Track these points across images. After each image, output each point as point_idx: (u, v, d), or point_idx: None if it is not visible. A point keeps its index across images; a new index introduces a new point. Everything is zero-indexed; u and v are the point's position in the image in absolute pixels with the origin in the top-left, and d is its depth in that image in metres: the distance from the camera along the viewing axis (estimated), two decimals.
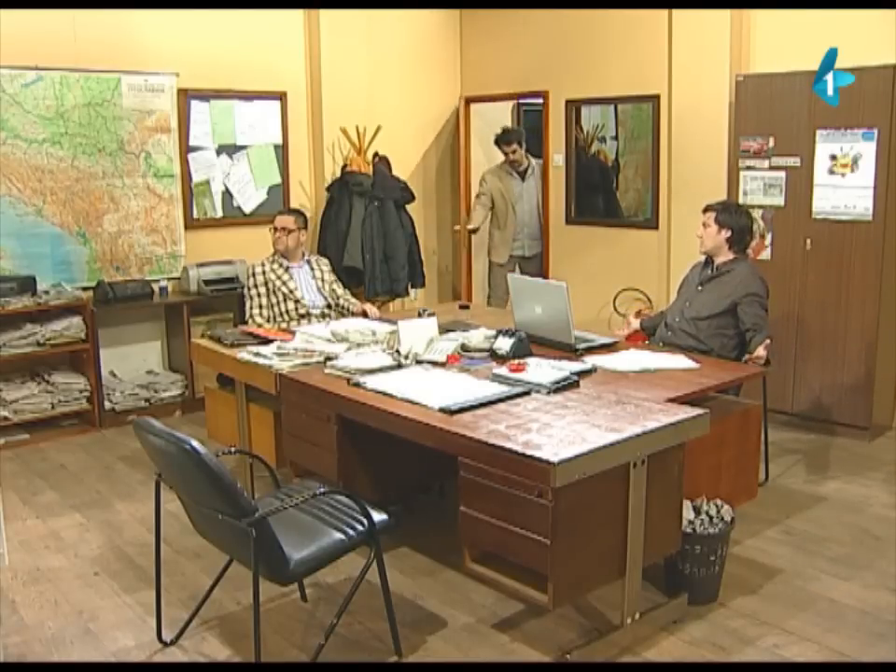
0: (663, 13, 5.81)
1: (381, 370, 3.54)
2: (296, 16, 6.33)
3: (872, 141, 4.74)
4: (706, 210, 4.22)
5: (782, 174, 5.13)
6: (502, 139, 6.43)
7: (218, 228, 6.15)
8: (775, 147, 5.14)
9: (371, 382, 3.38)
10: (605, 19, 6.19)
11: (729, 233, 4.13)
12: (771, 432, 4.48)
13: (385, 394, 3.25)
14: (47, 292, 5.28)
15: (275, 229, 4.86)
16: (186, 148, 5.92)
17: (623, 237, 6.37)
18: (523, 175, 6.61)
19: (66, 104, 5.39)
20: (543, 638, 3.05)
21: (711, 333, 4.07)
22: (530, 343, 3.79)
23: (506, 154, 6.48)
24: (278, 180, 6.38)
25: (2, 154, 5.20)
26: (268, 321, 4.76)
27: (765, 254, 5.25)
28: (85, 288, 5.51)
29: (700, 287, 4.20)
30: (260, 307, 4.79)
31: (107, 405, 5.50)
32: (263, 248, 5.18)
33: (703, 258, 4.30)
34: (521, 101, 7.40)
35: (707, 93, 5.59)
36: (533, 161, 6.64)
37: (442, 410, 3.03)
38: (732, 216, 4.14)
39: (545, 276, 6.54)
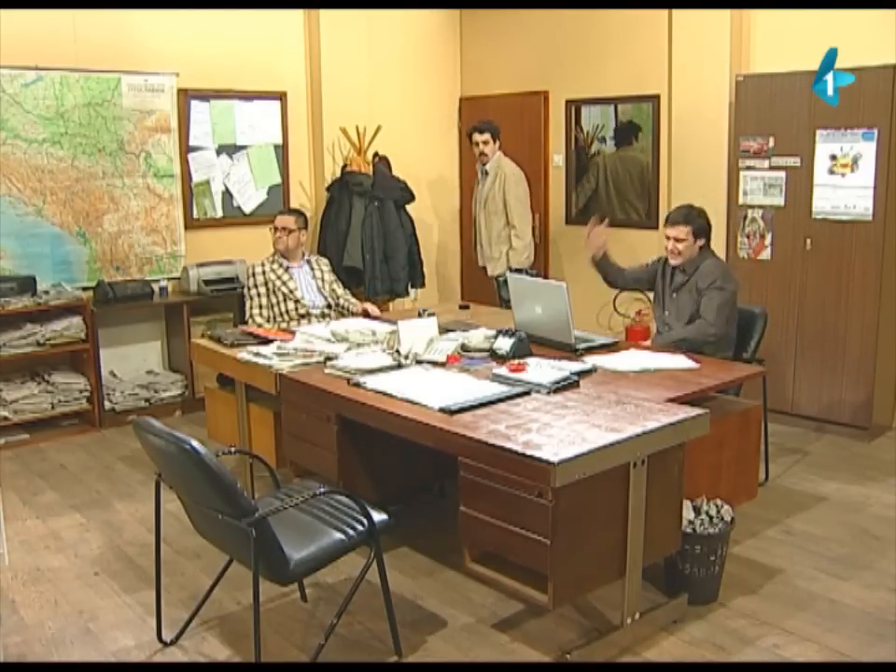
0: (663, 13, 5.81)
1: (381, 370, 3.54)
2: (296, 16, 6.33)
3: (872, 141, 4.74)
4: (675, 224, 4.10)
5: (782, 174, 5.13)
6: (475, 127, 5.90)
7: (218, 228, 6.15)
8: (775, 146, 5.14)
9: (371, 382, 3.38)
10: (604, 19, 6.19)
11: (703, 240, 4.12)
12: (771, 432, 4.48)
13: (385, 394, 3.25)
14: (47, 292, 5.28)
15: (276, 228, 4.86)
16: (186, 148, 5.92)
17: (624, 237, 6.37)
18: (484, 173, 5.99)
19: (66, 104, 5.39)
20: (543, 638, 3.05)
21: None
22: (530, 343, 3.79)
23: (476, 144, 5.88)
24: (278, 180, 6.38)
25: (2, 154, 5.20)
26: (268, 321, 4.76)
27: (765, 254, 5.26)
28: (85, 288, 5.51)
29: (675, 295, 4.18)
30: (260, 307, 4.79)
31: (107, 405, 5.50)
32: (263, 248, 5.18)
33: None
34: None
35: (707, 93, 5.60)
36: (506, 167, 5.89)
37: (442, 410, 3.03)
38: (702, 221, 4.11)
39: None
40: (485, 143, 5.85)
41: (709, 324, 4.00)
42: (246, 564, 2.67)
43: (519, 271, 5.73)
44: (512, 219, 5.87)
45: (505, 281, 5.72)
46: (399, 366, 3.63)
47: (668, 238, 4.13)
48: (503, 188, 5.86)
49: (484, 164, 5.93)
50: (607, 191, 6.51)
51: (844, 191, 4.89)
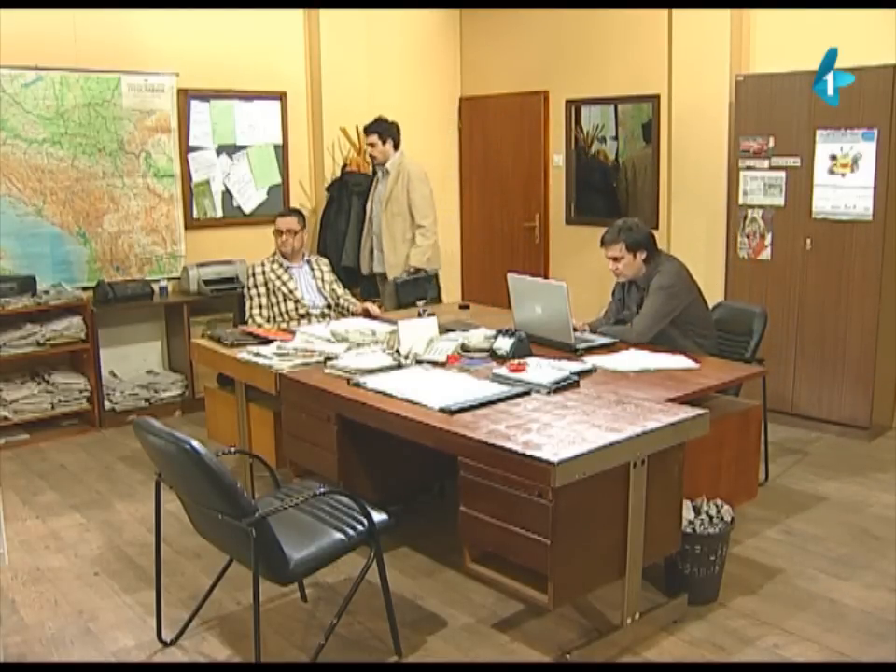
0: (663, 13, 5.82)
1: (381, 370, 3.54)
2: (296, 16, 6.34)
3: (872, 141, 4.74)
4: (608, 245, 4.04)
5: (782, 174, 5.13)
6: (364, 128, 5.69)
7: (218, 228, 6.15)
8: (775, 146, 5.14)
9: (371, 382, 3.38)
10: (605, 19, 6.19)
11: (644, 253, 4.03)
12: (771, 432, 4.48)
13: (385, 394, 3.25)
14: (47, 292, 5.28)
15: (280, 232, 4.83)
16: (186, 148, 5.92)
17: None
18: (382, 175, 5.70)
19: (66, 104, 5.39)
20: (543, 638, 3.05)
21: (682, 339, 4.00)
22: (530, 343, 3.79)
23: (367, 146, 5.69)
24: (278, 180, 6.38)
25: (2, 154, 5.20)
26: (268, 321, 4.76)
27: (765, 254, 5.26)
28: (85, 288, 5.51)
29: (637, 311, 4.08)
30: (260, 307, 4.79)
31: (107, 405, 5.50)
32: (263, 248, 5.18)
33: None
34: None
35: (707, 93, 5.60)
36: (410, 166, 5.60)
37: (442, 410, 3.03)
38: (636, 233, 4.01)
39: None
40: (372, 145, 5.58)
41: (632, 329, 3.98)
42: (246, 564, 2.67)
43: (417, 270, 5.52)
44: (418, 219, 5.54)
45: (404, 283, 5.39)
46: (399, 366, 3.63)
47: (608, 259, 4.08)
48: (406, 187, 5.54)
49: (383, 164, 5.62)
50: (635, 189, 6.39)
51: (844, 191, 4.89)
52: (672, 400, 3.16)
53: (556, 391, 3.23)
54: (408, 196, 5.54)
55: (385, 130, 5.60)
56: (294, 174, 6.46)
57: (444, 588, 3.42)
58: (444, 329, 4.05)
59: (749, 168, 5.27)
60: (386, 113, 6.53)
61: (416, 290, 5.39)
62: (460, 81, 7.26)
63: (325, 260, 5.13)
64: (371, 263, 5.84)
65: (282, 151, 6.37)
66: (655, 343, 3.98)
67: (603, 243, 4.09)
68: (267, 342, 4.05)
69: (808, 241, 5.07)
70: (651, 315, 3.98)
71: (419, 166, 5.70)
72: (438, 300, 5.53)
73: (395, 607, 2.94)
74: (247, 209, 6.26)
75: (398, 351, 3.74)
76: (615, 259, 4.05)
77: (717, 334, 4.18)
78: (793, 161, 5.07)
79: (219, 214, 6.15)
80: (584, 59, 6.38)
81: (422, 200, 5.58)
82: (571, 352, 3.85)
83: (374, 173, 5.78)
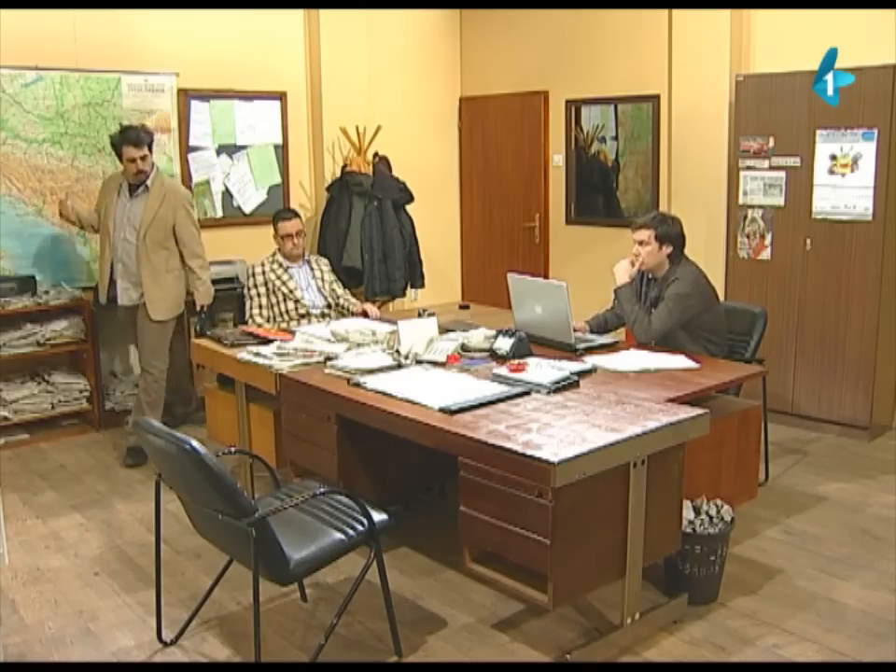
0: (663, 13, 5.81)
1: (381, 370, 3.55)
2: (296, 16, 6.33)
3: (872, 141, 4.75)
4: (639, 228, 4.04)
5: (782, 174, 5.13)
6: (128, 140, 4.67)
7: (218, 228, 6.14)
8: (775, 147, 5.14)
9: (371, 382, 3.38)
10: (605, 19, 6.19)
11: (671, 249, 4.01)
12: (771, 432, 4.48)
13: (385, 394, 3.26)
14: (47, 292, 5.28)
15: (291, 236, 4.81)
16: (186, 148, 5.91)
17: (623, 237, 6.35)
18: (132, 191, 4.80)
19: (66, 104, 5.39)
20: (543, 638, 3.05)
21: (691, 344, 4.00)
22: (530, 343, 3.79)
23: (132, 160, 4.67)
24: (278, 180, 6.38)
25: (2, 154, 5.20)
26: (268, 321, 4.76)
27: (765, 254, 5.26)
28: (85, 288, 5.50)
29: (652, 310, 4.04)
30: (260, 307, 4.79)
31: (107, 405, 5.50)
32: (263, 248, 5.18)
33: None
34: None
35: (707, 93, 5.60)
36: (178, 187, 5.05)
37: (442, 410, 3.03)
38: (669, 227, 3.99)
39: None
40: (143, 158, 4.69)
41: (651, 326, 3.94)
42: (246, 564, 2.67)
43: (202, 309, 5.02)
44: (193, 248, 4.88)
45: (203, 322, 4.92)
46: (399, 366, 3.63)
47: (634, 243, 4.06)
48: (175, 212, 4.79)
49: (144, 181, 4.76)
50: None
51: (844, 191, 4.89)
52: (672, 400, 3.16)
53: (556, 391, 3.23)
54: (176, 222, 4.80)
55: (153, 141, 4.86)
56: (294, 174, 6.45)
57: (444, 588, 3.42)
58: (444, 329, 4.05)
59: (749, 168, 5.27)
60: (386, 113, 6.56)
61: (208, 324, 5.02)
62: (460, 81, 7.26)
63: (325, 260, 5.13)
64: (113, 293, 4.96)
65: (282, 151, 6.36)
66: (663, 344, 3.98)
67: (635, 225, 4.09)
68: (267, 342, 4.05)
69: (808, 241, 5.07)
70: (666, 320, 3.95)
71: (184, 188, 5.17)
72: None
73: (395, 607, 2.94)
74: (247, 209, 6.26)
75: (398, 351, 3.74)
76: (640, 244, 4.04)
77: (728, 339, 4.15)
78: (793, 161, 5.07)
79: (219, 214, 6.15)
80: (584, 59, 6.38)
81: (194, 228, 4.92)
82: (571, 352, 3.85)
83: (128, 188, 4.82)
